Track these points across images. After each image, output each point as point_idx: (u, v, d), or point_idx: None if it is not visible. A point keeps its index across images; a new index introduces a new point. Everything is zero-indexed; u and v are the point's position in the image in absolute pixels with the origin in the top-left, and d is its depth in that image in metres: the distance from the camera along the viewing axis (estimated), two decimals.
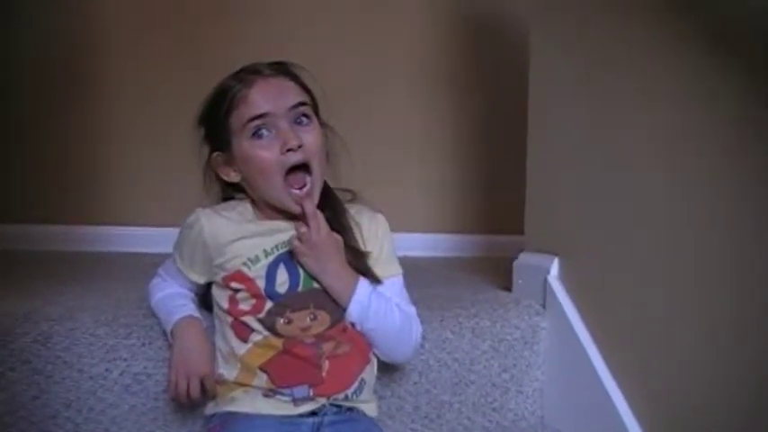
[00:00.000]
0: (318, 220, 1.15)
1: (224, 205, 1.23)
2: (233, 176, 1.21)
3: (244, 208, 1.22)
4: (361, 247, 1.22)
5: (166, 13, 2.43)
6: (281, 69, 1.20)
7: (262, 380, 1.13)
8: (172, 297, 1.25)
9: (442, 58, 2.58)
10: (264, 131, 1.15)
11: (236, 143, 1.17)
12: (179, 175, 2.32)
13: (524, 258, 1.61)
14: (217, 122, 1.19)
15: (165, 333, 1.24)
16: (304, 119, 1.17)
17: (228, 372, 1.15)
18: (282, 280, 1.16)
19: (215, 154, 1.21)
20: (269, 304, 1.14)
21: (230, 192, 1.25)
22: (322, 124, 1.22)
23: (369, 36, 2.49)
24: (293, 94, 1.17)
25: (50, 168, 2.39)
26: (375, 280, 1.21)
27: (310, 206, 1.14)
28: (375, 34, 2.51)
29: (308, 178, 1.16)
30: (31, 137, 2.38)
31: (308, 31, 2.42)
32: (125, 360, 1.27)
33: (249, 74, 1.18)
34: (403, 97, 2.53)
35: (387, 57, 2.50)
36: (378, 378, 1.29)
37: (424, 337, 1.28)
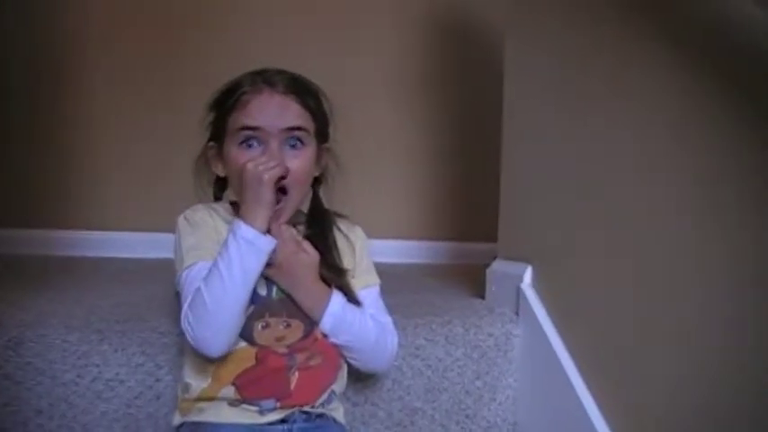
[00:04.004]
0: (283, 240, 1.15)
1: (208, 205, 1.23)
2: (220, 170, 1.22)
3: (224, 209, 1.22)
4: (348, 265, 1.23)
5: (152, 12, 2.42)
6: (293, 88, 1.18)
7: (229, 392, 1.13)
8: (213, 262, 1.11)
9: (418, 65, 2.60)
10: (254, 143, 1.15)
11: (227, 143, 1.18)
12: (153, 180, 2.34)
13: (497, 266, 1.62)
14: (219, 116, 1.20)
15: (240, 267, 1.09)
16: (297, 143, 1.17)
17: (198, 383, 1.14)
18: (261, 283, 1.15)
19: (211, 143, 1.22)
20: (249, 308, 1.13)
21: (218, 191, 1.26)
22: (325, 148, 1.23)
23: (343, 44, 2.50)
24: (293, 117, 1.17)
25: (21, 172, 2.36)
26: (354, 301, 1.20)
27: (274, 226, 1.14)
28: (351, 42, 2.51)
29: (282, 198, 1.16)
30: (1, 140, 2.35)
31: (287, 34, 2.42)
32: (97, 366, 1.27)
33: (263, 80, 1.18)
34: (377, 105, 2.53)
35: (363, 64, 2.50)
36: (351, 384, 1.29)
37: (398, 344, 1.28)
